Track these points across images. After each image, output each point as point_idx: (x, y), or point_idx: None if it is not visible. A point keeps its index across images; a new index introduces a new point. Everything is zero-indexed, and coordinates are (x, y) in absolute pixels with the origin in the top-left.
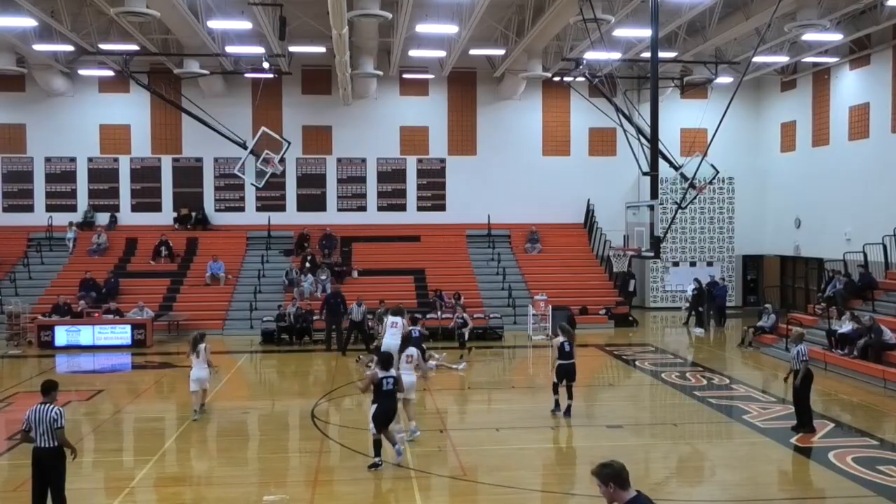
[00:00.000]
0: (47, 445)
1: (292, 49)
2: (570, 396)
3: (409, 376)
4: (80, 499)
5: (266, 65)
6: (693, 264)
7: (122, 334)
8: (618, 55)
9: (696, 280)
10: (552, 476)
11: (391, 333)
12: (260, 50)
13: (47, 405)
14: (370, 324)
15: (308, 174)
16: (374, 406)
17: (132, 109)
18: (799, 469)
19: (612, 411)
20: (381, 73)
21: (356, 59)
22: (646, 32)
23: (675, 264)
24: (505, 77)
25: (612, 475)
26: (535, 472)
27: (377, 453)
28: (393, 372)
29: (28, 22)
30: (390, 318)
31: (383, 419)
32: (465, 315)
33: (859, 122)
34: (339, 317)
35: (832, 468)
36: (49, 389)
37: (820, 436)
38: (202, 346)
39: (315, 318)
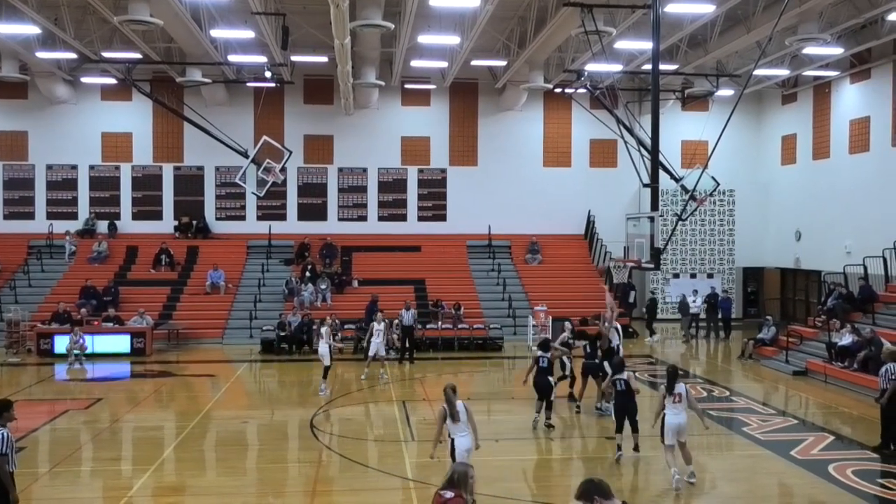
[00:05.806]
0: None
1: (294, 58)
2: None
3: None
4: None
5: (268, 74)
6: (693, 276)
7: (121, 342)
8: (619, 67)
9: (684, 294)
10: (551, 488)
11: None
12: (262, 59)
13: None
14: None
15: (309, 183)
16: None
17: (134, 117)
18: (799, 482)
19: (611, 423)
20: (382, 83)
21: (358, 69)
22: (647, 45)
23: (676, 276)
24: (506, 88)
25: (594, 489)
26: (533, 484)
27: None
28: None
29: (31, 29)
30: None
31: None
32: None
33: (860, 136)
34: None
35: (832, 481)
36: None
37: (819, 448)
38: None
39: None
